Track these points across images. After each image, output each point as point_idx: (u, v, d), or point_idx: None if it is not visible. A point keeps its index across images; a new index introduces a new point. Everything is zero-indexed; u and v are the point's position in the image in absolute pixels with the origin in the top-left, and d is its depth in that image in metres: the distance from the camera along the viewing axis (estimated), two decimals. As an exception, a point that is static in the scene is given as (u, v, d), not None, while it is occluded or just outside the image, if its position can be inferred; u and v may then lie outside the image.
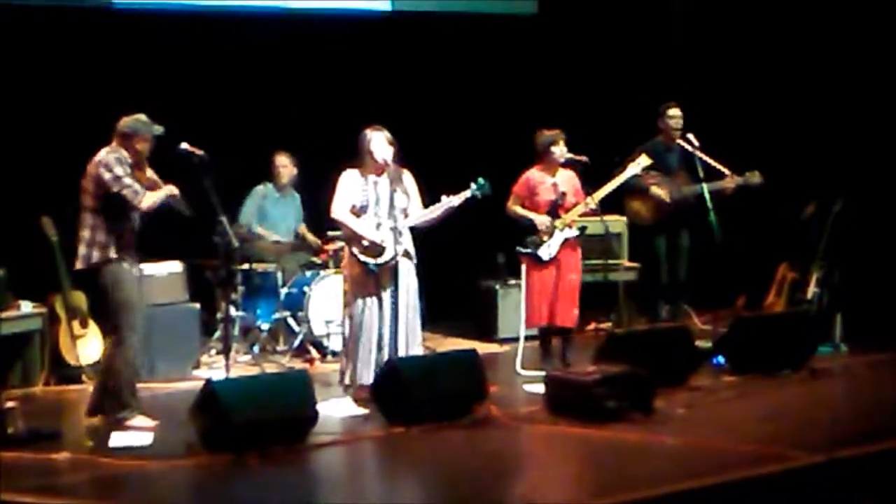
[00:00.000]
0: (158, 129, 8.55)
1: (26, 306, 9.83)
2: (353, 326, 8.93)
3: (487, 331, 11.42)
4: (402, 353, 8.80)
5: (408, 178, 9.07)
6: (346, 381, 8.92)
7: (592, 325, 11.60)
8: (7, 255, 9.82)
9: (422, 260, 9.17)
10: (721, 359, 9.75)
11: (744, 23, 12.85)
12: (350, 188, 8.94)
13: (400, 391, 8.21)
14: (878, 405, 8.70)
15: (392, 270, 8.84)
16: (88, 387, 9.57)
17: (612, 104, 12.27)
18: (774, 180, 11.97)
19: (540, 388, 8.82)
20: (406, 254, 8.98)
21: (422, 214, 9.05)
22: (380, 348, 8.84)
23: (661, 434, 7.88)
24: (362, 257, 8.85)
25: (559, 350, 10.11)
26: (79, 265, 8.49)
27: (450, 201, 8.99)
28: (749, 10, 12.81)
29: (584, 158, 9.83)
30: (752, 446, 7.53)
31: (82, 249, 8.43)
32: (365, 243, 8.87)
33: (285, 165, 11.02)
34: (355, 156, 9.00)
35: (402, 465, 7.69)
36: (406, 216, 8.98)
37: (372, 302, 8.87)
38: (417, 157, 9.36)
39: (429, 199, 9.16)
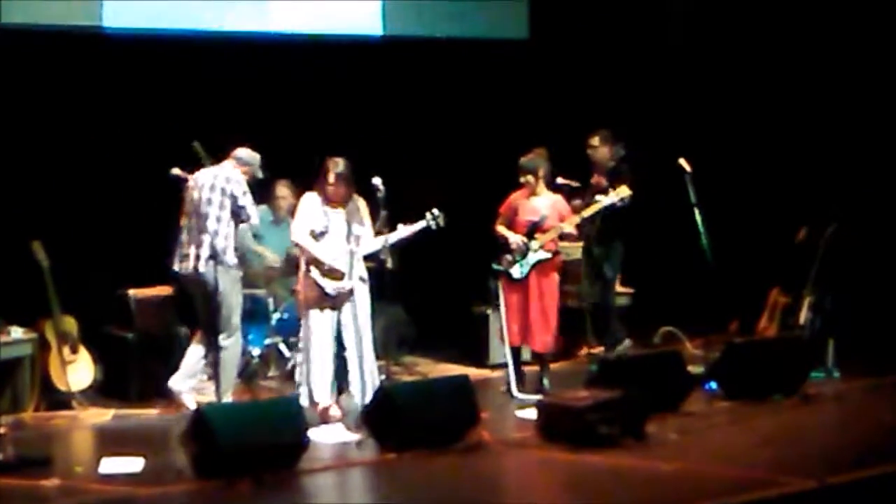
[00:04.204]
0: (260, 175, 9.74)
1: (16, 332, 9.78)
2: (308, 348, 9.08)
3: (479, 356, 11.38)
4: (356, 375, 8.98)
5: (363, 205, 9.27)
6: (304, 401, 8.96)
7: (585, 350, 11.57)
8: (-3, 279, 9.80)
9: (414, 285, 9.18)
10: (713, 384, 9.73)
11: (737, 46, 12.88)
12: (310, 212, 9.19)
13: (392, 417, 8.19)
14: (870, 431, 8.69)
15: (348, 295, 9.06)
16: (79, 413, 9.58)
17: (604, 128, 12.26)
18: (767, 204, 12.02)
19: (532, 414, 8.80)
20: (360, 279, 9.20)
21: (377, 242, 9.26)
22: (337, 370, 9.03)
23: (653, 460, 7.86)
24: (321, 281, 9.06)
25: (536, 377, 10.18)
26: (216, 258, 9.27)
27: (405, 231, 9.31)
28: (742, 35, 12.84)
29: (573, 183, 9.97)
30: (745, 472, 7.52)
31: (217, 253, 9.27)
32: (325, 268, 9.06)
33: (284, 197, 10.94)
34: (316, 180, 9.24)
35: (394, 492, 7.66)
36: (359, 244, 9.18)
37: (326, 325, 9.06)
38: (410, 180, 9.38)
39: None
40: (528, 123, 12.26)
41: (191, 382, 9.47)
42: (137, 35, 11.57)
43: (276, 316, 10.65)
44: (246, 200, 9.44)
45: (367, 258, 9.37)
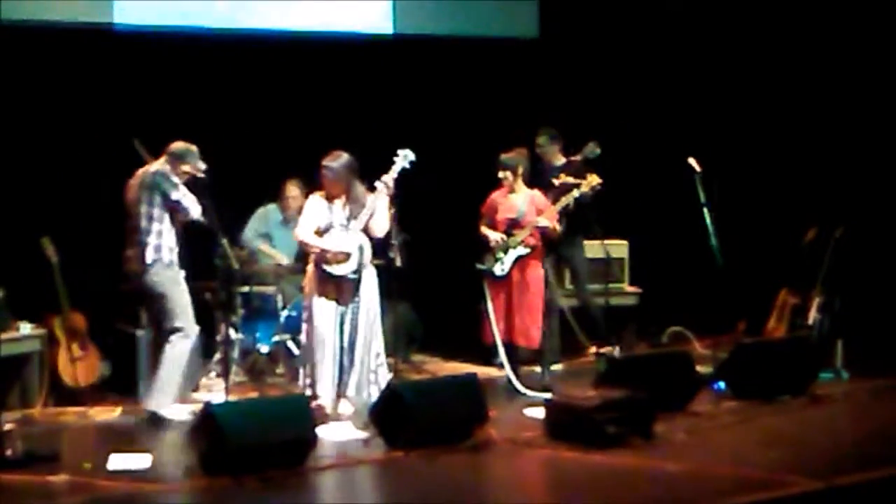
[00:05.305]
0: (202, 166, 9.29)
1: (25, 328, 9.81)
2: (312, 340, 9.14)
3: (487, 354, 11.38)
4: (357, 366, 9.08)
5: (370, 201, 9.26)
6: (309, 392, 9.05)
7: (593, 350, 11.57)
8: (6, 275, 9.80)
9: (421, 283, 9.18)
10: (722, 384, 9.72)
11: (748, 47, 12.87)
12: (314, 212, 9.30)
13: (400, 415, 8.18)
14: (878, 432, 8.68)
15: (355, 285, 9.11)
16: (87, 409, 9.59)
17: (613, 126, 12.27)
18: (776, 205, 12.01)
19: (540, 413, 8.80)
20: (360, 247, 9.25)
21: (377, 217, 9.26)
22: (340, 362, 9.10)
23: (661, 459, 7.85)
24: (331, 269, 9.11)
25: (539, 374, 10.28)
26: (149, 257, 9.16)
27: (385, 183, 9.23)
28: (754, 36, 12.83)
29: (574, 180, 10.05)
30: (752, 472, 7.51)
31: (150, 252, 9.14)
32: (330, 255, 9.13)
33: (295, 197, 10.94)
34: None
35: (402, 490, 7.66)
36: (367, 231, 9.25)
37: (329, 317, 9.11)
38: (419, 178, 9.40)
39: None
40: (538, 122, 12.26)
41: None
42: (148, 32, 11.60)
43: (284, 313, 10.67)
44: (178, 195, 9.13)
45: (375, 255, 9.38)
